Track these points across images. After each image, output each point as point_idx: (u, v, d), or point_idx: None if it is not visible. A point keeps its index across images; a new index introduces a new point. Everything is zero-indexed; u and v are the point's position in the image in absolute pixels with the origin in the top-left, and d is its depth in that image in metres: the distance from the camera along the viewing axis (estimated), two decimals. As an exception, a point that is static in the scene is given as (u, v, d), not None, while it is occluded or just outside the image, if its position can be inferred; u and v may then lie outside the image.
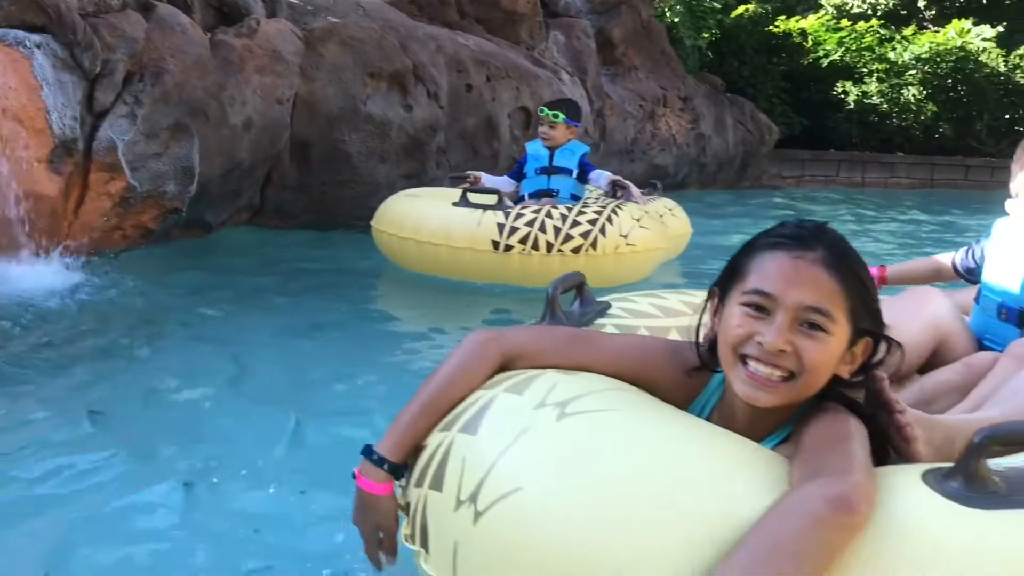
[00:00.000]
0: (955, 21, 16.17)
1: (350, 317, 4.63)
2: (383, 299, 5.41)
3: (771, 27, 16.06)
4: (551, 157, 5.54)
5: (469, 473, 1.51)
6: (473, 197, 5.14)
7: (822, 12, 17.07)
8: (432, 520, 1.55)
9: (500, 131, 8.02)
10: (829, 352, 1.53)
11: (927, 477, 1.36)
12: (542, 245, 4.90)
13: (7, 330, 3.89)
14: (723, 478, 1.38)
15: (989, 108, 16.11)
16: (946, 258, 2.85)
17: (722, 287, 1.65)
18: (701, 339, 1.70)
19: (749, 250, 1.62)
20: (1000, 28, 15.64)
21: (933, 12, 17.96)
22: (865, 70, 16.14)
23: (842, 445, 1.40)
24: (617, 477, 1.42)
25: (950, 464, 1.35)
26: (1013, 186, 2.44)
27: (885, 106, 15.93)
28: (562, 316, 2.11)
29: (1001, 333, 2.40)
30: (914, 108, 15.94)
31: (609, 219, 5.02)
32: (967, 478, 1.33)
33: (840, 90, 15.91)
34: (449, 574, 1.52)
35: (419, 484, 1.63)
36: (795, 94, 15.72)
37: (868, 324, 1.58)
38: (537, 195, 5.52)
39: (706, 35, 14.34)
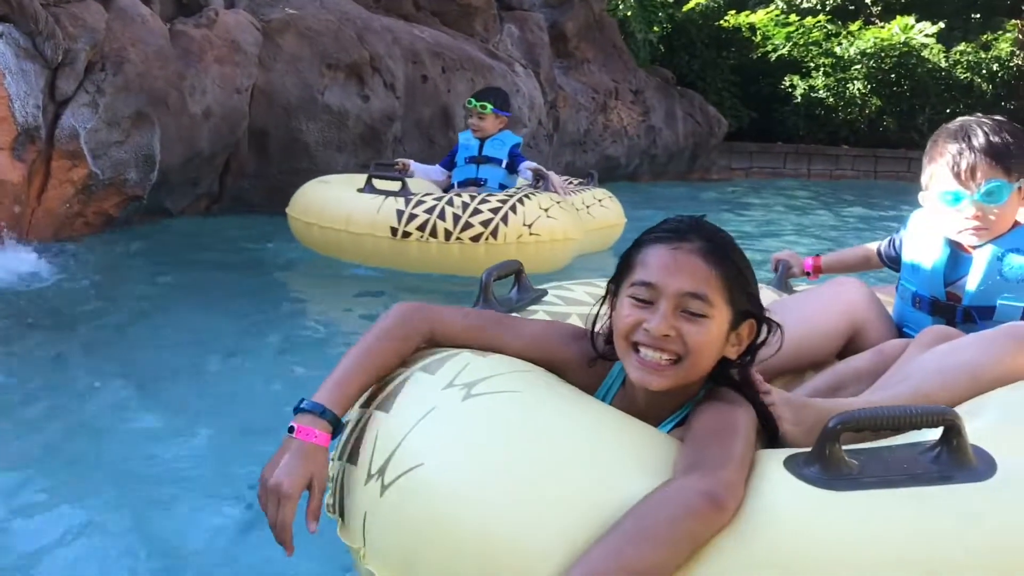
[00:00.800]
0: (899, 17, 16.63)
1: (283, 301, 4.76)
2: (312, 285, 5.43)
3: (721, 21, 16.39)
4: (481, 147, 5.59)
5: (380, 448, 1.58)
6: (378, 184, 5.15)
7: (772, 7, 17.44)
8: (347, 492, 1.62)
9: (455, 121, 8.20)
10: (710, 334, 1.63)
11: (788, 462, 1.45)
12: (440, 233, 4.88)
13: None
14: (613, 460, 1.46)
15: (931, 102, 16.44)
16: (874, 246, 2.93)
17: (616, 282, 1.75)
18: (601, 329, 1.79)
19: (636, 246, 1.72)
20: (941, 25, 16.11)
21: (879, 8, 18.42)
22: (812, 64, 16.43)
23: (723, 439, 1.47)
24: (512, 456, 1.49)
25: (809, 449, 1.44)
26: (924, 179, 2.47)
27: (831, 100, 16.23)
28: (495, 302, 2.19)
29: (916, 321, 2.47)
30: (859, 102, 16.27)
31: (513, 208, 4.99)
32: (822, 462, 1.41)
33: (788, 84, 16.18)
34: (360, 543, 1.59)
35: (340, 457, 1.70)
36: (744, 87, 15.95)
37: (747, 307, 1.68)
38: (466, 184, 5.58)
39: (657, 29, 14.60)
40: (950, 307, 2.39)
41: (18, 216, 4.93)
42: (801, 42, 16.64)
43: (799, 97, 16.15)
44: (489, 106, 5.56)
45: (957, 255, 2.40)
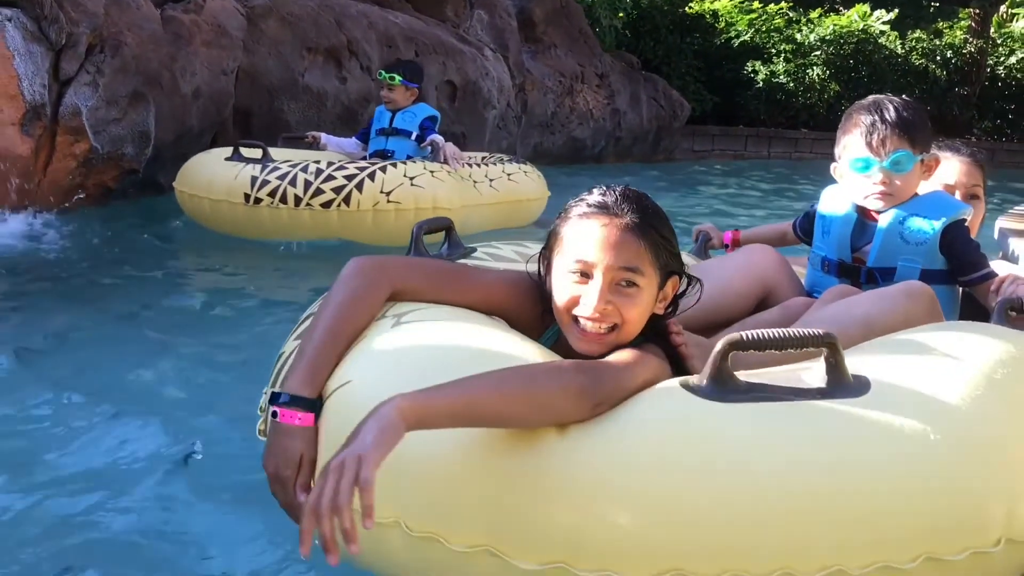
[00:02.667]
0: (858, 6, 17.18)
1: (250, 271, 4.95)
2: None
3: (685, 8, 16.83)
4: (392, 119, 5.64)
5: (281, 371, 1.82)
6: (245, 151, 5.15)
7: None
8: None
9: (428, 103, 8.61)
10: (643, 302, 1.77)
11: (686, 382, 1.60)
12: (290, 198, 4.87)
13: None
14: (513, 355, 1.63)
15: (888, 88, 16.93)
16: (790, 223, 3.05)
17: (548, 253, 1.87)
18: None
19: (564, 216, 1.84)
20: (895, 13, 16.68)
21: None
22: (773, 51, 16.86)
23: (618, 366, 1.62)
24: (427, 368, 1.61)
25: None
26: (838, 150, 2.58)
27: (791, 85, 16.64)
28: (426, 254, 2.32)
29: (825, 284, 2.60)
30: (818, 87, 16.71)
31: (372, 176, 4.96)
32: (712, 378, 1.56)
33: (750, 69, 16.56)
34: None
35: (274, 385, 1.88)
36: (708, 72, 16.33)
37: (673, 267, 1.83)
38: (376, 156, 5.61)
39: (622, 15, 15.04)
40: (856, 269, 2.55)
41: (26, 187, 5.35)
42: (763, 29, 17.12)
43: (761, 82, 16.53)
44: (397, 77, 5.60)
45: (864, 222, 2.56)
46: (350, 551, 1.31)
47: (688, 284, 1.89)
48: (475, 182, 5.52)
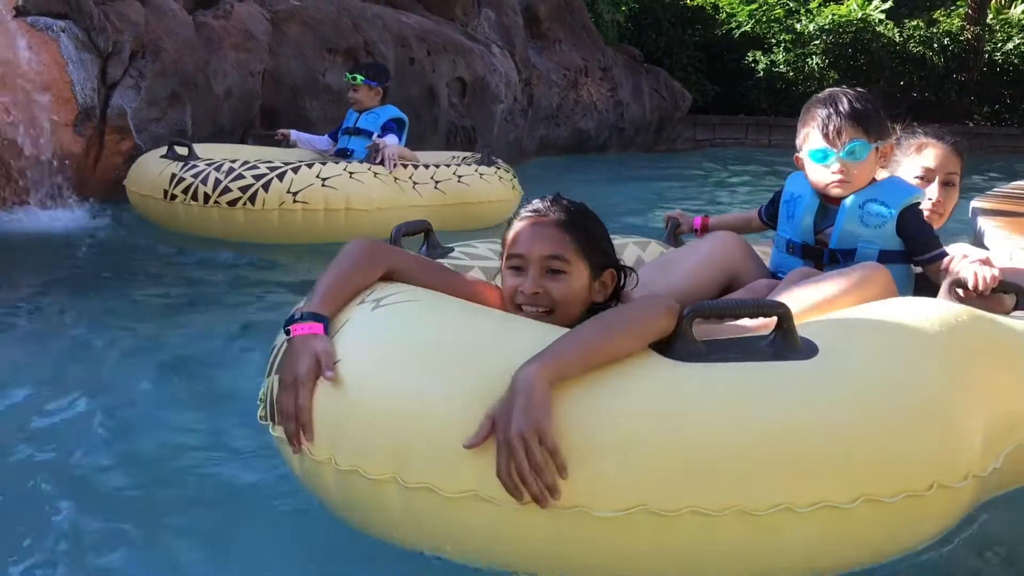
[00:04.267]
0: (856, -5, 17.56)
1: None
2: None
3: (686, 1, 17.19)
4: (357, 119, 5.79)
5: (277, 357, 1.92)
6: (179, 149, 5.23)
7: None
8: (268, 389, 1.94)
9: (439, 99, 9.16)
10: (572, 288, 1.98)
11: (654, 344, 1.74)
12: (200, 196, 4.91)
13: (49, 260, 4.94)
14: (494, 342, 1.74)
15: (886, 76, 17.14)
16: (756, 209, 3.17)
17: (502, 255, 2.12)
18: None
19: (509, 225, 2.08)
20: (891, 2, 17.02)
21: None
22: (773, 41, 17.17)
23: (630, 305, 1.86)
24: (408, 345, 1.77)
25: None
26: (798, 141, 2.69)
27: (791, 74, 16.95)
28: None
29: (790, 265, 2.70)
30: (817, 76, 16.87)
31: (281, 176, 4.95)
32: (677, 342, 1.73)
33: (750, 60, 16.88)
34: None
35: (270, 373, 1.98)
36: (709, 63, 16.68)
37: (604, 260, 2.03)
38: (339, 154, 5.78)
39: (624, 8, 15.45)
40: (818, 250, 2.66)
41: (79, 182, 5.90)
42: (763, 19, 17.43)
43: (761, 72, 16.81)
44: (360, 77, 5.71)
45: (825, 207, 2.68)
46: (554, 500, 1.54)
47: (625, 276, 2.10)
48: (415, 184, 5.45)
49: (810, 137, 2.61)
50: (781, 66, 17.01)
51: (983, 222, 5.81)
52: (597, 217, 2.11)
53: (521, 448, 1.52)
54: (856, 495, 1.65)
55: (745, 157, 13.89)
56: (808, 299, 2.24)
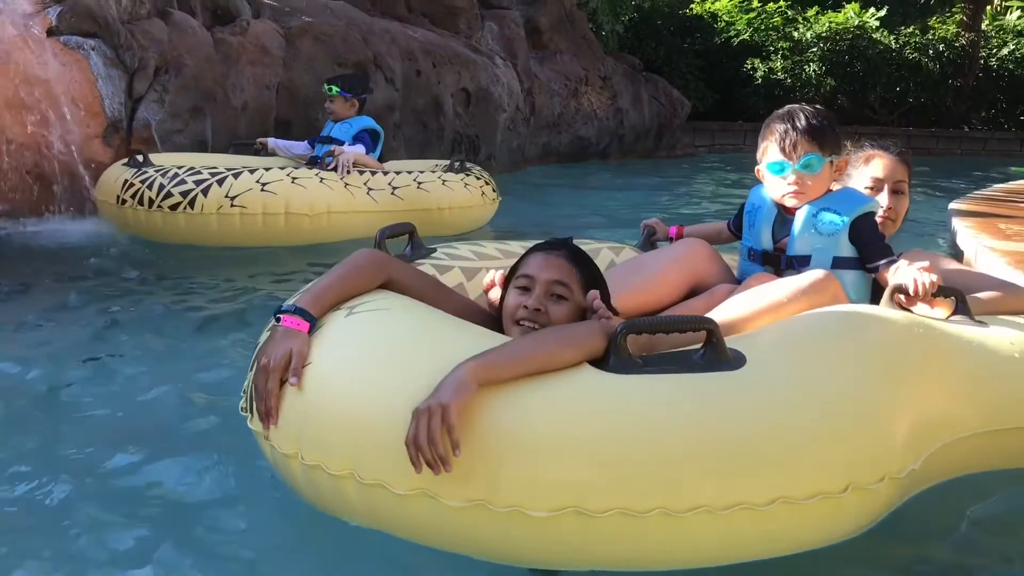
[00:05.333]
0: (853, 4, 17.87)
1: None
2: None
3: (686, 10, 17.51)
4: (332, 128, 5.99)
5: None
6: (139, 156, 5.37)
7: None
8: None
9: (445, 109, 9.55)
10: (569, 310, 2.17)
11: (592, 360, 1.85)
12: (146, 201, 5.05)
13: (73, 266, 5.10)
14: (454, 347, 1.83)
15: (882, 82, 17.46)
16: (724, 222, 3.26)
17: (508, 280, 2.28)
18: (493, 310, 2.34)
19: (523, 257, 2.28)
20: (884, 10, 17.37)
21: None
22: (771, 48, 17.49)
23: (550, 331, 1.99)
24: (368, 349, 1.89)
25: None
26: (758, 154, 2.81)
27: (789, 81, 17.26)
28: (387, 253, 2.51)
29: (752, 271, 2.82)
30: (815, 82, 17.31)
31: (221, 181, 5.07)
32: (613, 356, 1.84)
33: (749, 67, 17.22)
34: (265, 428, 1.98)
35: (251, 368, 2.07)
36: (708, 71, 16.99)
37: (595, 287, 2.23)
38: (311, 162, 5.90)
39: (625, 19, 15.72)
40: (776, 257, 2.78)
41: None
42: (761, 28, 17.72)
43: (759, 79, 17.13)
44: (335, 88, 5.90)
45: (784, 216, 2.80)
46: (446, 470, 1.67)
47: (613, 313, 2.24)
48: (369, 189, 5.54)
49: (769, 151, 2.74)
50: (779, 73, 17.32)
51: (956, 222, 6.18)
52: (591, 260, 2.32)
53: (424, 419, 1.66)
54: (772, 497, 1.75)
55: (743, 162, 14.12)
56: (758, 306, 2.33)
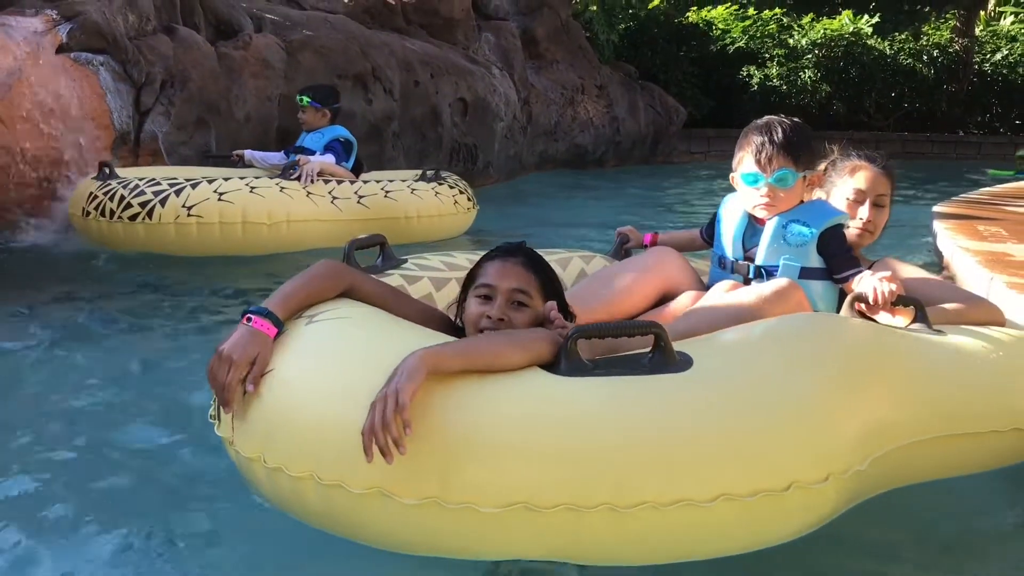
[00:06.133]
0: (846, 13, 18.10)
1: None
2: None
3: (681, 19, 17.70)
4: (304, 138, 6.11)
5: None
6: (106, 169, 5.42)
7: (729, 3, 18.85)
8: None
9: (443, 118, 9.77)
10: (530, 317, 2.21)
11: (544, 365, 1.90)
12: (107, 212, 5.13)
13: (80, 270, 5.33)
14: (406, 353, 1.83)
15: (877, 87, 17.78)
16: (697, 230, 3.28)
17: (464, 290, 2.32)
18: (457, 320, 2.35)
19: (480, 264, 2.31)
20: (877, 17, 17.61)
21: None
22: (767, 55, 17.81)
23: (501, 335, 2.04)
24: (326, 356, 1.97)
25: None
26: (734, 163, 2.82)
27: (785, 88, 17.58)
28: (356, 265, 2.60)
29: (722, 279, 2.83)
30: (810, 89, 17.61)
31: (179, 191, 5.13)
32: (563, 360, 1.88)
33: (745, 74, 17.55)
34: (230, 434, 2.06)
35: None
36: (704, 78, 17.25)
37: (552, 296, 2.28)
38: (284, 171, 5.84)
39: (622, 27, 16.01)
40: (745, 266, 2.82)
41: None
42: (757, 35, 18.03)
43: (755, 86, 17.45)
44: (306, 99, 6.01)
45: (754, 227, 2.83)
46: (400, 453, 1.70)
47: (570, 317, 2.32)
48: (334, 198, 5.60)
49: (744, 161, 2.75)
50: (775, 80, 17.62)
51: (937, 225, 6.39)
52: (546, 263, 2.36)
53: (380, 406, 1.72)
54: (715, 494, 1.79)
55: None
56: (719, 312, 2.41)
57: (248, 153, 6.31)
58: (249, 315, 2.06)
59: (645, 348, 2.00)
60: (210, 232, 5.16)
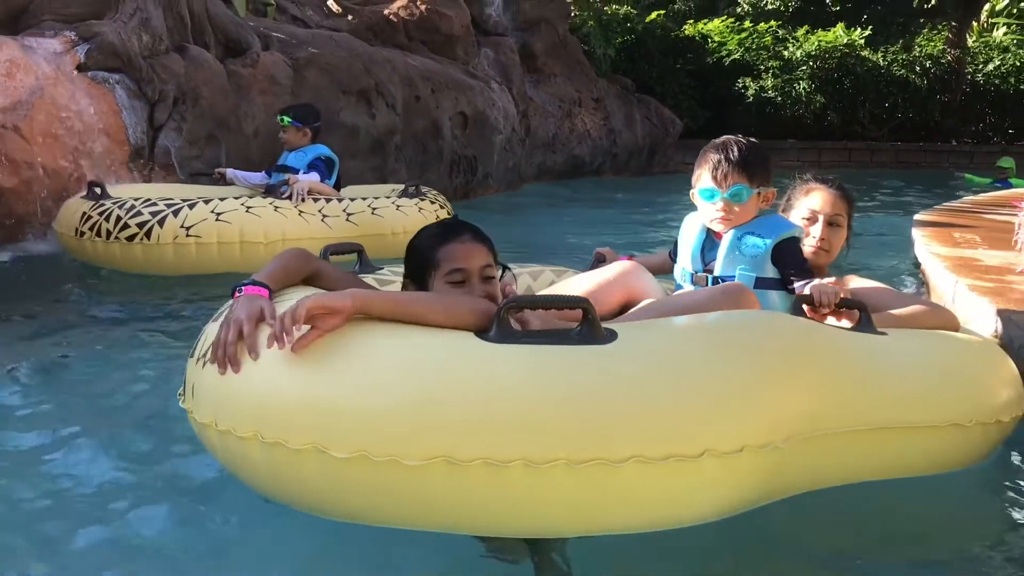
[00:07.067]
0: (840, 25, 18.41)
1: None
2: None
3: (677, 32, 18.03)
4: (287, 158, 6.12)
5: (203, 342, 2.22)
6: (97, 189, 5.40)
7: (725, 16, 19.18)
8: (188, 375, 2.25)
9: (443, 132, 10.10)
10: (498, 286, 2.35)
11: (481, 333, 1.99)
12: (103, 232, 5.09)
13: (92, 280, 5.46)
14: (359, 324, 1.98)
15: (870, 98, 18.08)
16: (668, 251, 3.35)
17: (416, 276, 2.39)
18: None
19: (430, 247, 2.36)
20: (869, 30, 17.92)
21: (837, 8, 20.09)
22: (762, 67, 18.09)
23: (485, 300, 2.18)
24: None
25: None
26: (693, 179, 2.93)
27: (779, 99, 17.85)
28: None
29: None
30: (804, 100, 17.86)
31: (176, 212, 5.12)
32: (496, 328, 1.98)
33: (740, 85, 17.85)
34: (191, 404, 2.18)
35: (193, 355, 2.25)
36: (701, 90, 17.57)
37: (496, 256, 2.41)
38: (267, 190, 5.91)
39: (620, 40, 16.30)
40: (704, 277, 2.93)
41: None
42: (753, 47, 18.28)
43: (751, 97, 17.73)
44: (287, 119, 6.05)
45: (712, 240, 2.95)
46: (278, 347, 1.91)
47: (505, 270, 2.51)
48: (324, 216, 5.63)
49: (702, 178, 2.88)
50: (770, 91, 17.86)
51: (915, 232, 6.65)
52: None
53: (297, 309, 1.92)
54: (627, 455, 1.84)
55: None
56: (667, 310, 2.51)
57: (230, 172, 6.33)
58: (238, 288, 2.19)
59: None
60: (208, 252, 5.17)
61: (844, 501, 2.42)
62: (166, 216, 5.10)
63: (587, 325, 2.01)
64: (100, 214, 5.14)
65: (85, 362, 3.84)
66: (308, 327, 1.94)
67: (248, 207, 5.33)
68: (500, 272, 2.45)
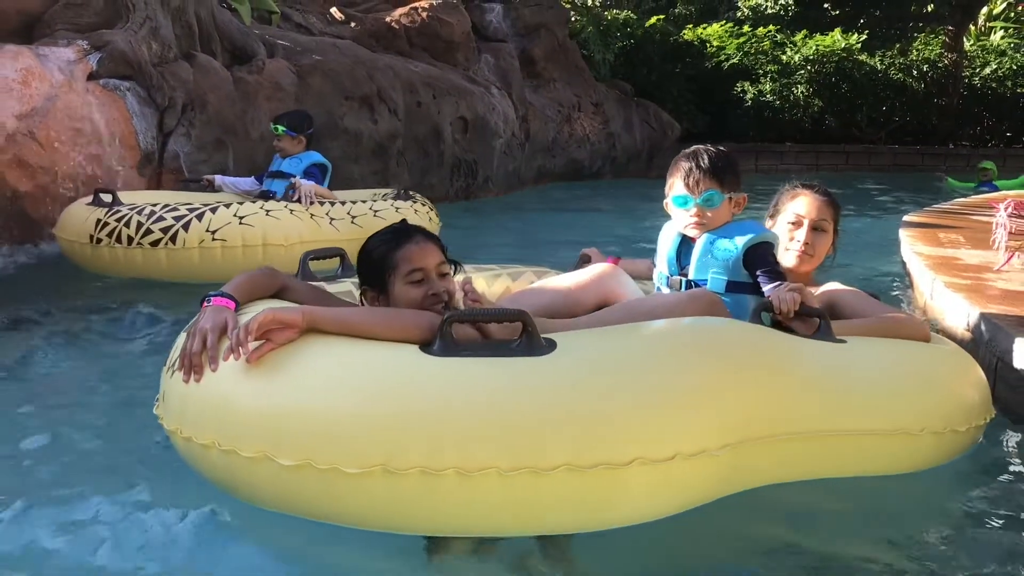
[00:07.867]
0: (837, 30, 18.53)
1: None
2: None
3: (676, 37, 18.13)
4: (281, 164, 6.17)
5: (173, 352, 2.35)
6: (103, 196, 5.42)
7: (724, 20, 19.28)
8: (162, 382, 2.36)
9: (444, 136, 10.29)
10: (453, 281, 2.46)
11: (425, 347, 2.07)
12: (124, 239, 5.09)
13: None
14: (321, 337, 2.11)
15: (868, 101, 18.16)
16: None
17: (375, 283, 2.48)
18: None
19: (386, 251, 2.46)
20: (865, 34, 18.04)
21: (836, 13, 20.20)
22: (760, 72, 18.15)
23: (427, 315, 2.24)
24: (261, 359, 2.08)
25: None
26: (667, 188, 3.00)
27: (778, 103, 17.93)
28: (311, 276, 2.90)
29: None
30: (802, 104, 17.97)
31: (200, 216, 5.16)
32: (439, 341, 2.05)
33: (739, 90, 17.93)
34: (162, 411, 2.30)
35: (168, 368, 2.34)
36: (700, 94, 17.64)
37: (445, 252, 2.52)
38: (261, 196, 6.08)
39: (620, 44, 16.42)
40: (679, 280, 3.00)
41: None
42: (751, 52, 18.28)
43: (749, 101, 17.80)
44: (280, 128, 6.11)
45: (687, 245, 3.00)
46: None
47: (456, 268, 2.61)
48: (332, 219, 5.66)
49: (675, 186, 2.96)
50: (768, 95, 17.95)
51: (902, 232, 6.83)
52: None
53: (251, 320, 2.04)
54: (557, 463, 1.91)
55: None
56: (635, 313, 2.58)
57: (219, 178, 6.39)
58: (207, 299, 2.30)
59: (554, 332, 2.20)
60: (233, 255, 5.19)
61: (836, 494, 2.49)
62: (190, 221, 5.15)
63: (526, 337, 2.07)
64: (118, 220, 5.15)
65: (98, 363, 3.95)
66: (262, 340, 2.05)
67: (267, 211, 5.40)
68: (452, 269, 2.55)
